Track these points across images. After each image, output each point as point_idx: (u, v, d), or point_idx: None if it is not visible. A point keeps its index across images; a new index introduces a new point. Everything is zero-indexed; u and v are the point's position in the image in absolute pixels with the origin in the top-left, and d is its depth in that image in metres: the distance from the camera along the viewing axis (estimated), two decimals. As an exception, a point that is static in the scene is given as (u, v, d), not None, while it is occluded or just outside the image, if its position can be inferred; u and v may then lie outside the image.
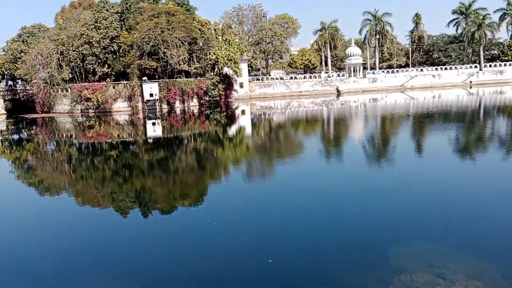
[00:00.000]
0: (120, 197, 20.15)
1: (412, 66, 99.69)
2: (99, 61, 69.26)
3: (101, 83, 69.27)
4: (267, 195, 18.71)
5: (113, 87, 68.99)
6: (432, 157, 24.83)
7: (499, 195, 16.29)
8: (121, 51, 68.94)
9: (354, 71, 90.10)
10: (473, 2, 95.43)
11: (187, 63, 72.02)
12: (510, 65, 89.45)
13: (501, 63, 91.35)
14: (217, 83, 73.80)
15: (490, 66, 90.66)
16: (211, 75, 75.34)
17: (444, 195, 16.72)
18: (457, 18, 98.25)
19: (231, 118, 57.45)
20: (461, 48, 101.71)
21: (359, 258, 11.33)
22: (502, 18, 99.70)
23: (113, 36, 68.35)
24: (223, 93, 75.54)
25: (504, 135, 31.79)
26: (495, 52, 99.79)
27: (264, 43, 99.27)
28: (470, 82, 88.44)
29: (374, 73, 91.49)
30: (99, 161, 30.35)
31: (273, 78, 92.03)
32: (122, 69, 69.87)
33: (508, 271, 10.03)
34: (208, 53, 73.62)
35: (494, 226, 13.07)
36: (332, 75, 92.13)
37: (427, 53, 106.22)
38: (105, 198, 20.06)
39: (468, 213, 14.45)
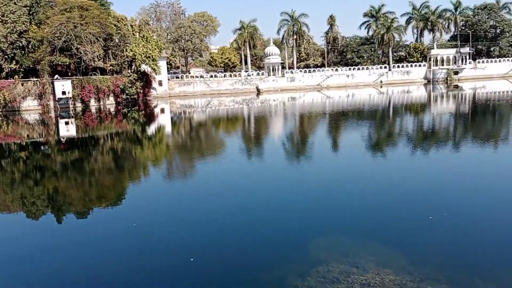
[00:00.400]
0: (31, 201, 18.99)
1: (327, 66, 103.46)
2: (6, 57, 64.57)
3: (8, 80, 64.57)
4: (186, 194, 18.55)
5: (22, 85, 64.54)
6: (345, 153, 26.02)
7: (406, 187, 17.42)
8: (30, 46, 64.84)
9: (273, 70, 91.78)
10: (382, 6, 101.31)
11: (102, 59, 69.37)
12: (415, 66, 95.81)
13: (408, 64, 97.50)
14: (134, 81, 71.67)
15: (398, 66, 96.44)
16: (128, 73, 73.12)
17: (354, 188, 17.55)
18: (368, 21, 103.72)
19: (150, 117, 56.31)
20: (372, 49, 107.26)
21: (279, 253, 11.61)
22: (408, 22, 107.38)
23: (22, 30, 63.91)
24: (141, 91, 73.56)
25: (410, 131, 34.12)
26: (403, 53, 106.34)
27: (183, 41, 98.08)
28: (381, 81, 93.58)
29: (292, 73, 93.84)
30: (6, 163, 28.41)
31: (193, 76, 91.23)
32: (31, 66, 65.74)
33: (414, 257, 10.79)
34: (124, 50, 71.34)
35: (400, 216, 13.97)
36: (252, 74, 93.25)
37: (341, 54, 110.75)
38: (14, 203, 18.81)
39: (377, 205, 15.28)
